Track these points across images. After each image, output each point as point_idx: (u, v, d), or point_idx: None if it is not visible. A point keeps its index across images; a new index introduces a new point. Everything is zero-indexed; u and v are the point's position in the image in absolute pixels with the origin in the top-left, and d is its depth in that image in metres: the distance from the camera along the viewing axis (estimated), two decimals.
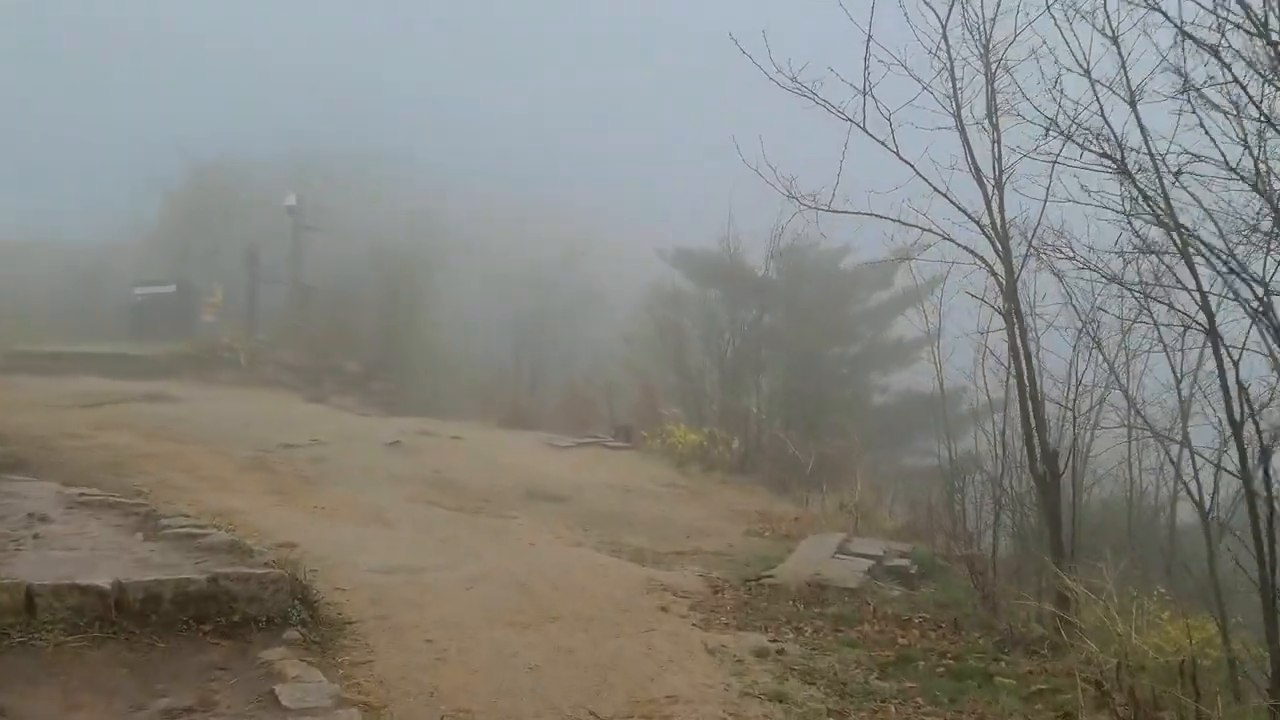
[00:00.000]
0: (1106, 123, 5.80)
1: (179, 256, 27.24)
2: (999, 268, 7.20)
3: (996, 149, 7.10)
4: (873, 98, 6.62)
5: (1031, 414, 6.91)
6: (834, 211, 7.55)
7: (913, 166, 6.72)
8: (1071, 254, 6.54)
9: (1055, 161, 6.33)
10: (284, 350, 20.96)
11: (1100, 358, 8.05)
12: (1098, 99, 5.96)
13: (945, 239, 7.13)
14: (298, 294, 23.13)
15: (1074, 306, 8.17)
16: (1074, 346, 8.02)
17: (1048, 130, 6.04)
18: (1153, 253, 6.09)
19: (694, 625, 6.14)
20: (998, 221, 6.94)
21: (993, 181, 7.01)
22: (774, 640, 5.90)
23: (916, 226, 7.29)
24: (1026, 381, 6.89)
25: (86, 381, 18.08)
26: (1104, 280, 7.06)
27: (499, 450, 11.95)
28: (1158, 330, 7.31)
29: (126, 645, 4.92)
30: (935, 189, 6.75)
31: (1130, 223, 6.08)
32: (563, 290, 25.43)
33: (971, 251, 7.16)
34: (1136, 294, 6.48)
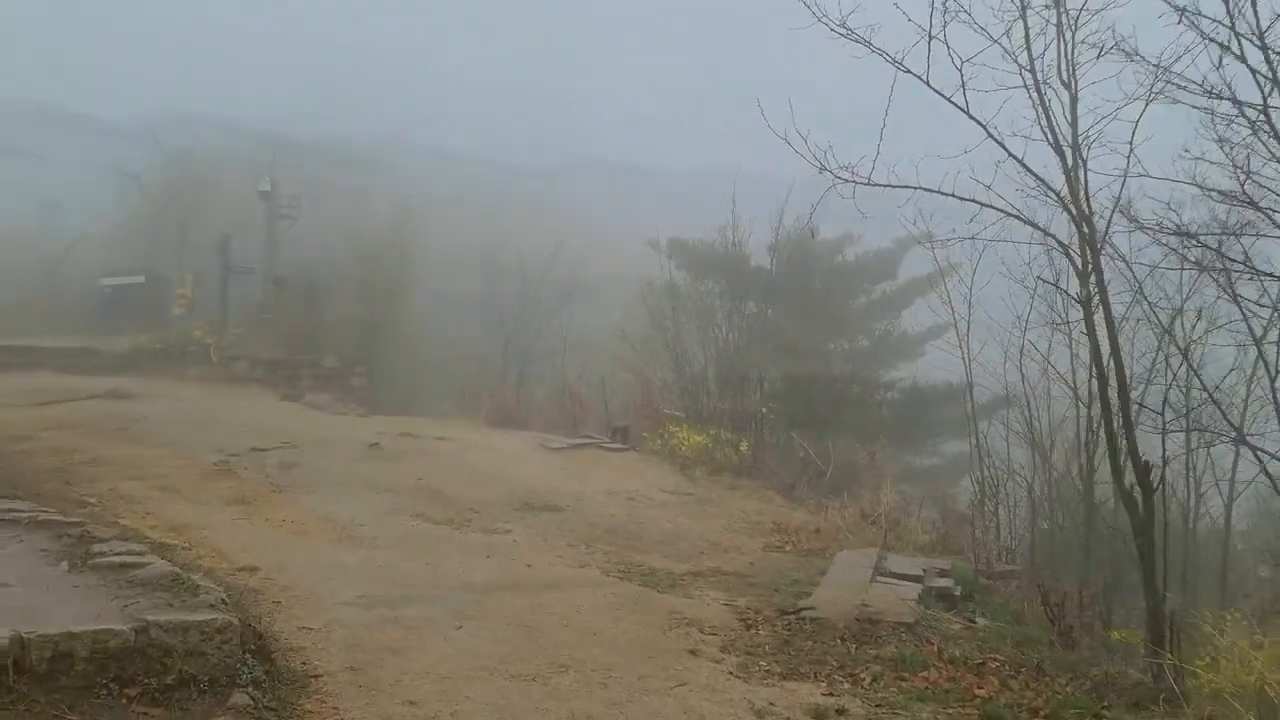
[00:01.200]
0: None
1: (150, 247, 26.00)
2: (1075, 248, 6.21)
3: (1072, 111, 6.11)
4: (943, 42, 5.60)
5: (1119, 419, 5.92)
6: (876, 186, 6.53)
7: (985, 127, 5.72)
8: (1176, 231, 5.55)
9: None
10: (256, 344, 19.76)
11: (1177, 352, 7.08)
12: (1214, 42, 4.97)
13: (1013, 216, 6.10)
14: (271, 285, 21.91)
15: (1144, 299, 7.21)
16: (1159, 341, 7.05)
17: (1155, 79, 5.02)
18: None
19: (731, 674, 5.12)
20: (1080, 195, 5.94)
21: (1070, 146, 6.02)
22: (829, 694, 4.90)
23: (978, 203, 6.27)
24: (1113, 380, 5.89)
25: (42, 377, 16.88)
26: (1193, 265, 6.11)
27: (487, 453, 10.88)
28: None
29: (27, 717, 3.87)
30: (1011, 154, 5.75)
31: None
32: (550, 282, 24.33)
33: (1046, 232, 6.16)
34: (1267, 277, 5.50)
